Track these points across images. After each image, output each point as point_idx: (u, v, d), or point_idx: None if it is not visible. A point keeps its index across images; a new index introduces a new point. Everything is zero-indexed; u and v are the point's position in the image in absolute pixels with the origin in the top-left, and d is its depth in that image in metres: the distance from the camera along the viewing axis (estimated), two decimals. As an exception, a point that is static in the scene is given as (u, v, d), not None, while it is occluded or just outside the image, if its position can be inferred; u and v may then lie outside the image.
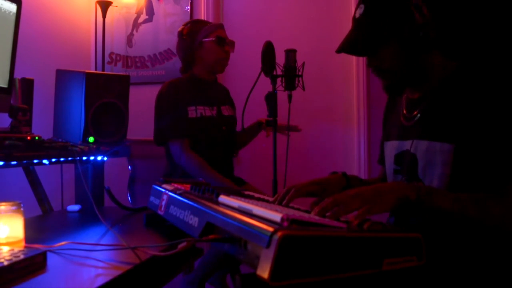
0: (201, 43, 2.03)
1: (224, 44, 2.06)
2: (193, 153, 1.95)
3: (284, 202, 1.06)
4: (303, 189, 1.10)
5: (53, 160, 1.59)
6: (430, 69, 1.10)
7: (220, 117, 2.10)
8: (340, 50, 1.10)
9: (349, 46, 1.10)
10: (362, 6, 1.08)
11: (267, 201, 1.10)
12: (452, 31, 1.12)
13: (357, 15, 1.08)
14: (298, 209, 0.98)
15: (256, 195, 1.22)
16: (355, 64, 2.76)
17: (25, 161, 1.55)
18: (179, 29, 2.10)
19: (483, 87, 1.00)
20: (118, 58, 3.09)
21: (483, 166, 0.98)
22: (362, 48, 1.10)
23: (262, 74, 2.04)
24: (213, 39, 2.03)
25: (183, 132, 1.97)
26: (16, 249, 0.83)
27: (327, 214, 0.85)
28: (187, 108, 2.00)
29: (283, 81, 2.06)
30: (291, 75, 2.03)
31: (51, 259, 0.88)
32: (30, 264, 0.80)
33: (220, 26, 2.11)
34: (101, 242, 1.09)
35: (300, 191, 1.08)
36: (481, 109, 0.98)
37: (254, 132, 2.24)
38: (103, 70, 2.96)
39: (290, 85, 2.04)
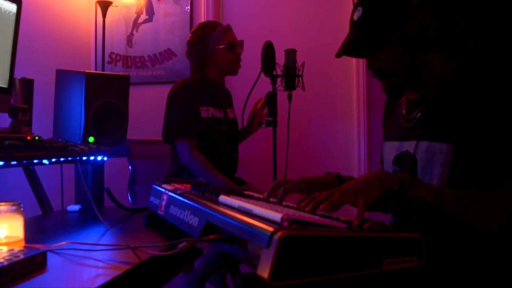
0: (213, 50, 2.04)
1: (235, 47, 2.06)
2: (198, 153, 1.96)
3: (277, 201, 1.06)
4: (292, 188, 1.10)
5: (53, 160, 1.59)
6: (429, 69, 1.09)
7: (227, 119, 2.11)
8: (340, 53, 1.10)
9: (350, 49, 1.09)
10: (360, 8, 1.07)
11: (258, 198, 1.10)
12: (451, 30, 1.12)
13: (356, 18, 1.08)
14: (298, 209, 0.98)
15: (256, 195, 1.22)
16: (355, 64, 2.76)
17: (25, 161, 1.55)
18: (188, 38, 2.10)
19: (482, 87, 1.00)
20: (118, 58, 3.09)
21: (481, 167, 0.98)
22: (363, 50, 1.10)
23: (262, 74, 2.04)
24: (225, 46, 2.03)
25: (192, 132, 1.98)
26: (16, 249, 0.83)
27: (321, 207, 0.87)
28: (199, 108, 2.02)
29: (283, 81, 2.06)
30: (291, 75, 2.03)
31: (51, 259, 0.88)
32: (30, 264, 0.80)
33: (229, 28, 2.09)
34: (101, 242, 1.09)
35: (289, 190, 1.09)
36: (480, 109, 0.98)
37: (249, 130, 2.23)
38: (103, 70, 2.96)
39: (290, 85, 2.04)
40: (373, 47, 1.07)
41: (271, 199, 1.11)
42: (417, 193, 0.94)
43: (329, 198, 0.89)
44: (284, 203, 1.07)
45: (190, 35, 2.11)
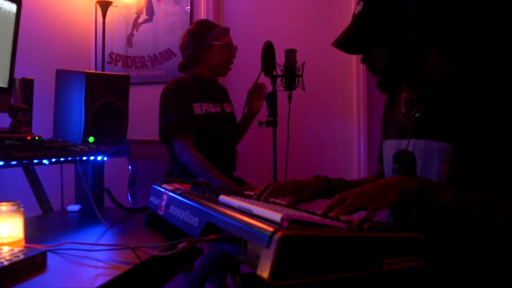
0: (210, 45, 2.05)
1: (232, 49, 2.08)
2: (196, 151, 1.96)
3: (262, 198, 1.07)
4: (280, 187, 1.10)
5: (53, 160, 1.59)
6: (427, 69, 1.10)
7: (224, 113, 2.11)
8: (335, 43, 1.11)
9: (345, 43, 1.10)
10: (361, 3, 1.08)
11: (248, 196, 1.10)
12: (449, 30, 1.12)
13: (356, 12, 1.09)
14: (298, 209, 0.98)
15: (256, 195, 1.22)
16: (355, 64, 2.76)
17: (25, 161, 1.55)
18: (190, 27, 2.13)
19: (481, 86, 1.00)
20: (118, 58, 3.09)
21: (481, 165, 0.98)
22: (358, 45, 1.11)
23: (262, 74, 2.05)
24: (223, 43, 2.05)
25: (187, 130, 1.98)
26: (16, 249, 0.83)
27: (334, 211, 0.86)
28: (192, 105, 2.02)
29: (283, 81, 2.06)
30: (291, 75, 2.03)
31: (51, 259, 0.88)
32: (30, 264, 0.80)
33: (228, 31, 2.13)
34: (101, 242, 1.08)
35: (278, 189, 1.09)
36: (478, 108, 0.99)
37: (247, 120, 2.22)
38: (103, 70, 2.96)
39: (290, 85, 2.05)
40: (364, 44, 1.08)
41: (271, 199, 1.12)
42: (437, 196, 0.93)
43: (340, 205, 0.88)
44: (283, 203, 1.07)
45: (192, 25, 2.13)
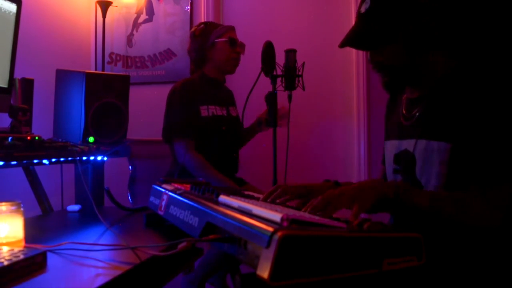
0: (214, 43, 2.06)
1: (236, 45, 2.09)
2: (196, 153, 1.96)
3: (269, 199, 1.07)
4: (290, 191, 1.10)
5: (53, 160, 1.59)
6: (431, 68, 1.10)
7: (230, 117, 2.12)
8: (344, 44, 1.10)
9: (354, 40, 1.09)
10: (368, 1, 1.07)
11: (258, 198, 1.10)
12: (454, 30, 1.12)
13: (363, 10, 1.08)
14: (297, 209, 0.98)
15: (256, 195, 1.22)
16: (355, 64, 2.76)
17: (25, 161, 1.55)
18: (192, 29, 2.15)
19: (481, 86, 1.01)
20: (118, 58, 3.09)
21: (479, 166, 0.98)
22: (368, 43, 1.10)
23: (262, 74, 2.04)
24: (226, 39, 2.06)
25: (189, 132, 1.99)
26: (16, 249, 0.83)
27: (318, 213, 0.87)
28: (200, 107, 2.02)
29: (283, 81, 2.06)
30: (291, 75, 2.03)
31: (51, 259, 0.88)
32: (30, 264, 0.80)
33: (232, 29, 2.14)
34: (101, 242, 1.08)
35: (287, 192, 1.09)
36: (478, 108, 0.99)
37: (253, 132, 2.26)
38: (103, 70, 2.96)
39: (290, 85, 2.04)
40: (378, 40, 1.07)
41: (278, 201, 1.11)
42: (413, 200, 0.94)
43: (324, 207, 0.89)
44: (291, 205, 1.07)
45: (194, 27, 2.14)
